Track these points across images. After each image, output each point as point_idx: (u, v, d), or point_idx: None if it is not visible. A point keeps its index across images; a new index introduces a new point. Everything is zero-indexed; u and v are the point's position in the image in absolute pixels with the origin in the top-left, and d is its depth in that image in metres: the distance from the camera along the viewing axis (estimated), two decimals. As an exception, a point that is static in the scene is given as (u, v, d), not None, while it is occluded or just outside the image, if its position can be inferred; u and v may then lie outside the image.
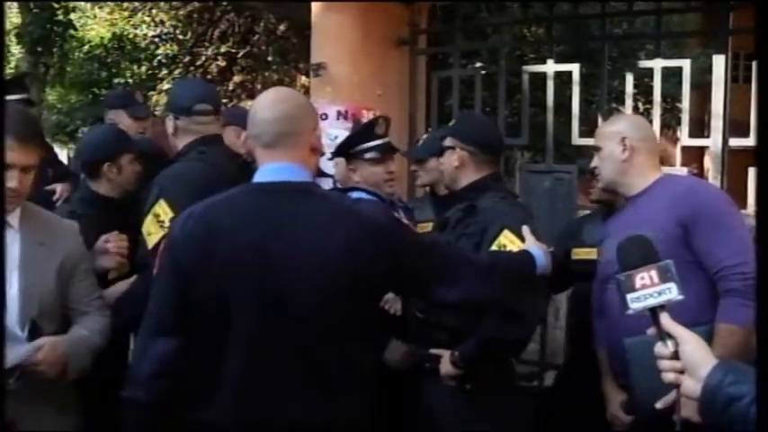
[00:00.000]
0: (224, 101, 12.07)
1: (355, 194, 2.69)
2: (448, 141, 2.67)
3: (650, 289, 1.42)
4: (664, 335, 1.40)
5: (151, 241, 2.28)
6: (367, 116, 5.17)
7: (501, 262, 2.06)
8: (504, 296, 2.12)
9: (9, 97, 3.47)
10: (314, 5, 5.51)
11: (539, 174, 4.78)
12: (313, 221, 1.60)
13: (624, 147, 2.45)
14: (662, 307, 1.42)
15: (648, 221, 2.23)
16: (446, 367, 2.50)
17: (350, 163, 2.99)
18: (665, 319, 1.39)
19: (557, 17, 5.45)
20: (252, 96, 11.62)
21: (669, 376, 1.37)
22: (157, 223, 2.26)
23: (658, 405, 2.24)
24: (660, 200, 2.39)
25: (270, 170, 1.70)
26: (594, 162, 2.57)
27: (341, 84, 5.11)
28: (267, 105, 1.73)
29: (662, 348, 1.39)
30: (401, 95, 5.38)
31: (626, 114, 4.27)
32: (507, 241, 2.40)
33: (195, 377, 1.64)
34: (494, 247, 2.42)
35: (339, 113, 4.87)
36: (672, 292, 1.41)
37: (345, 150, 3.00)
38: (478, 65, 7.98)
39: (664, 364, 1.38)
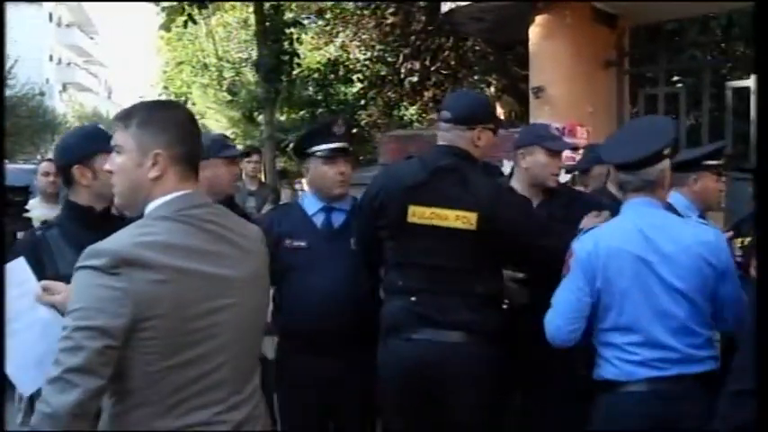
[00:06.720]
0: (420, 113, 13.12)
1: None
2: None
3: None
4: None
5: None
6: (581, 132, 5.84)
7: None
8: None
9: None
10: (532, 34, 6.26)
11: (743, 181, 5.14)
12: None
13: None
14: None
15: None
16: None
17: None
18: None
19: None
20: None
21: None
22: None
23: None
24: None
25: None
26: None
27: (557, 104, 5.82)
28: None
29: None
30: (610, 112, 6.01)
31: None
32: None
33: None
34: None
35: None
36: None
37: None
38: (678, 80, 8.32)
39: None
